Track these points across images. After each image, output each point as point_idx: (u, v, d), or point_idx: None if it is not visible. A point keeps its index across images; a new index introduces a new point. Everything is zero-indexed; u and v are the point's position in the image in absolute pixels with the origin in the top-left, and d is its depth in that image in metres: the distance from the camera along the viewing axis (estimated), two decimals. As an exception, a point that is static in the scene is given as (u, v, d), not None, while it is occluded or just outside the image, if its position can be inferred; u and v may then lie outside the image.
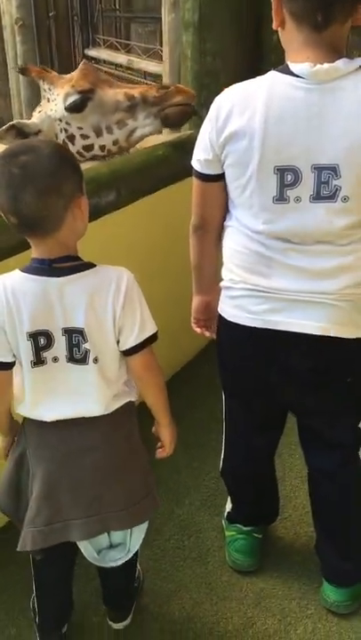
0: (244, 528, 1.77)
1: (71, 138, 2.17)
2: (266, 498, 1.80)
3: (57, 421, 1.32)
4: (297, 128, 1.24)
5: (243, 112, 1.28)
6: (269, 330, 1.39)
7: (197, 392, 2.45)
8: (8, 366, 1.31)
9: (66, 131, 2.16)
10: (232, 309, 1.46)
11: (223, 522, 1.88)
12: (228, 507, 1.84)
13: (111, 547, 1.46)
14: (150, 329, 1.33)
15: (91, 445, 1.34)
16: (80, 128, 2.15)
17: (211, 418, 2.30)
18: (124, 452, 1.38)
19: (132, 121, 2.13)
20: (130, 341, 1.31)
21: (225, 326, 1.49)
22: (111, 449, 1.36)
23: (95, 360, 1.29)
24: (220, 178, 1.40)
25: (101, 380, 1.31)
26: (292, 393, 1.50)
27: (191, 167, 1.44)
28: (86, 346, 1.27)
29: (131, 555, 1.46)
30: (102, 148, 2.17)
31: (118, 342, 1.31)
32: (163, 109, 2.10)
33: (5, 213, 1.21)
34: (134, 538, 1.46)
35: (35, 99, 3.84)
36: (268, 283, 1.37)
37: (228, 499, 1.84)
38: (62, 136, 2.18)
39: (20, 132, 2.16)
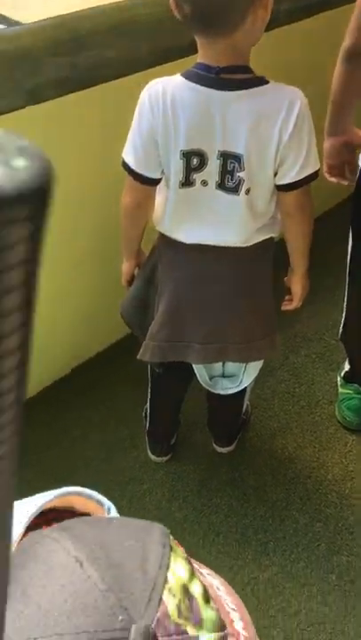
0: (361, 389, 1.75)
1: None
2: None
3: (193, 244, 1.27)
4: None
5: None
6: None
7: (333, 238, 2.29)
8: (154, 182, 1.23)
9: None
10: None
11: (338, 379, 1.85)
12: (347, 367, 1.80)
13: (224, 376, 1.47)
14: (313, 166, 1.19)
15: (223, 274, 1.30)
16: None
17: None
18: (253, 287, 1.33)
19: None
20: (289, 176, 1.18)
21: None
22: (242, 282, 1.31)
23: (247, 191, 1.18)
24: None
25: (249, 212, 1.22)
26: None
27: None
28: (241, 174, 1.16)
29: (241, 387, 1.47)
30: None
31: (276, 174, 1.19)
32: None
33: (178, 1, 1.05)
34: (248, 373, 1.45)
35: None
36: None
37: (347, 359, 1.80)
38: None
39: None
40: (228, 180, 1.17)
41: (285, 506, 1.57)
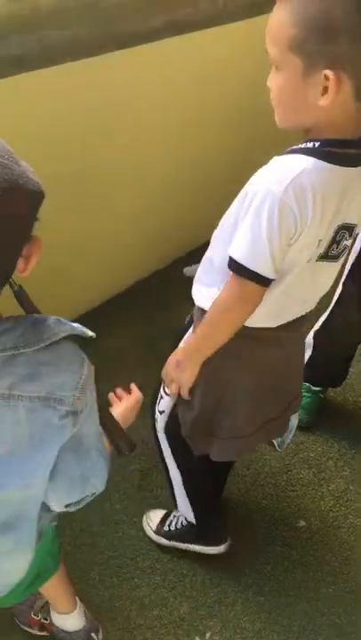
0: (313, 388, 1.80)
1: None
2: (342, 361, 1.79)
3: (280, 325, 1.15)
4: None
5: None
6: None
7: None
8: (270, 283, 1.05)
9: None
10: None
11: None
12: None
13: None
14: None
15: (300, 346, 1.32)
16: None
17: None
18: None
19: None
20: None
21: None
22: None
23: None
24: None
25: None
26: None
27: None
28: (347, 242, 1.07)
29: None
30: None
31: None
32: None
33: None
34: None
35: None
36: None
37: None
38: None
39: None
40: (333, 249, 1.06)
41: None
